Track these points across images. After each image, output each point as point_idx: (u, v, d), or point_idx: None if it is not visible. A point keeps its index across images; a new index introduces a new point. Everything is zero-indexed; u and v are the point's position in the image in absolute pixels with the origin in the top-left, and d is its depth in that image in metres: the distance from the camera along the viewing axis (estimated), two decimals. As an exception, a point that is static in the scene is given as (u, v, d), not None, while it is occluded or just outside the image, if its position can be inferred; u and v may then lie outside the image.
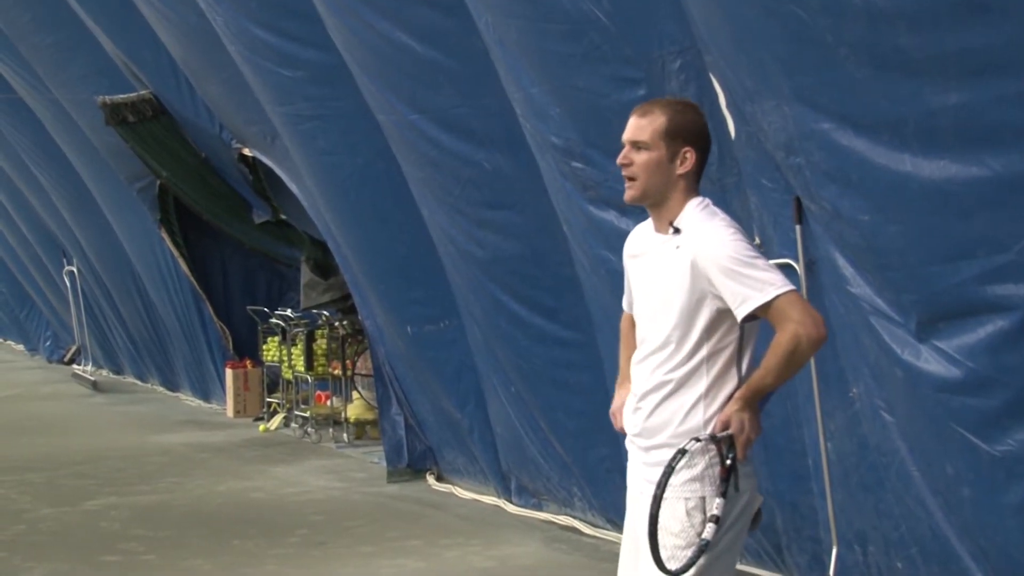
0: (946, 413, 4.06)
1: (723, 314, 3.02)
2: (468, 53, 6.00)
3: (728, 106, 4.61)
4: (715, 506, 2.97)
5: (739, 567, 5.36)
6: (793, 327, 2.95)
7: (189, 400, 13.14)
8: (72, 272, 15.02)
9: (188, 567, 6.26)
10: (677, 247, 3.06)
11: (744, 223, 4.93)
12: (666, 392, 3.07)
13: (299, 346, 10.59)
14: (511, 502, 7.32)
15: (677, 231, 3.07)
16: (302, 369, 10.55)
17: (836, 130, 4.00)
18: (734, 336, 3.05)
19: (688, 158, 3.05)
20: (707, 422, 3.03)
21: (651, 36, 4.83)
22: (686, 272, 3.03)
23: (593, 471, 6.38)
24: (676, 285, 3.04)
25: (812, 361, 4.73)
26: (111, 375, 15.70)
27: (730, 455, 2.98)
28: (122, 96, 10.46)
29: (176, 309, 12.61)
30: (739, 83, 4.37)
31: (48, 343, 18.51)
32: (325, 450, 9.86)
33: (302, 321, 10.71)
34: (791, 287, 2.98)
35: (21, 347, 20.51)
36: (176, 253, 11.99)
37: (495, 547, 6.46)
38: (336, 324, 10.27)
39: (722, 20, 4.26)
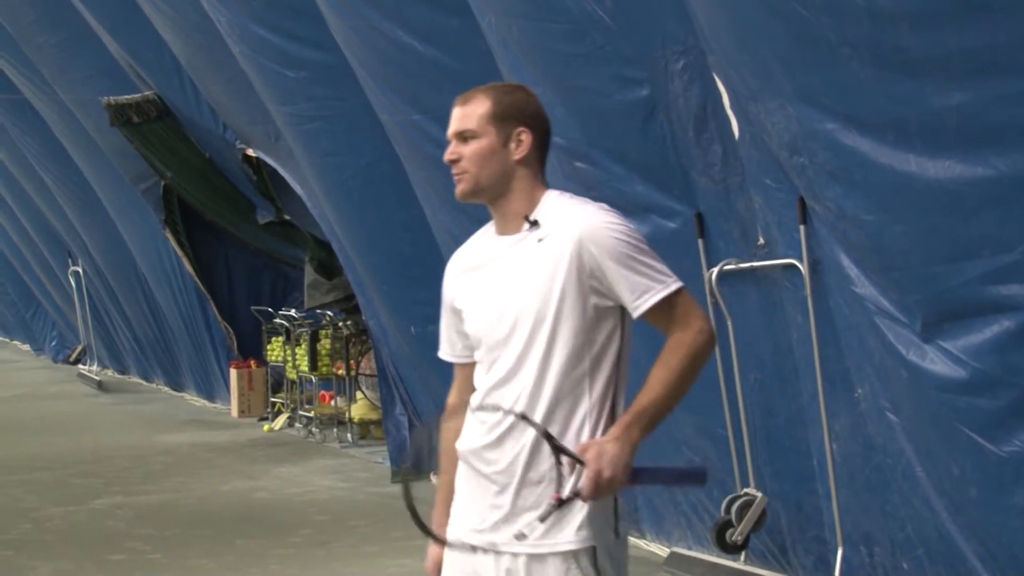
0: (952, 413, 4.04)
1: (602, 313, 2.51)
2: (471, 53, 5.99)
3: (732, 106, 4.60)
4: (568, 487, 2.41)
5: (745, 567, 5.35)
6: (700, 325, 2.50)
7: (194, 400, 13.15)
8: (77, 272, 15.03)
9: (193, 566, 6.27)
10: (540, 240, 2.54)
11: (748, 223, 4.92)
12: (538, 420, 2.47)
13: (303, 346, 10.59)
14: (515, 502, 7.31)
15: (535, 224, 2.55)
16: (306, 369, 10.55)
17: (840, 130, 3.98)
18: (616, 342, 2.52)
19: (524, 140, 2.57)
20: None
21: (654, 36, 4.81)
22: (560, 266, 2.49)
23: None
24: (545, 285, 2.50)
25: (817, 361, 4.72)
26: (116, 375, 15.71)
27: (572, 491, 2.40)
28: (126, 97, 10.47)
29: (180, 309, 12.62)
30: (743, 83, 4.36)
31: (54, 343, 18.53)
32: (329, 450, 9.86)
33: (306, 321, 10.71)
34: (681, 281, 2.55)
35: (27, 347, 20.53)
36: (180, 253, 12.00)
37: (500, 547, 6.45)
38: (340, 324, 10.27)
39: (725, 20, 4.25)
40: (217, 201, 11.26)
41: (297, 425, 10.78)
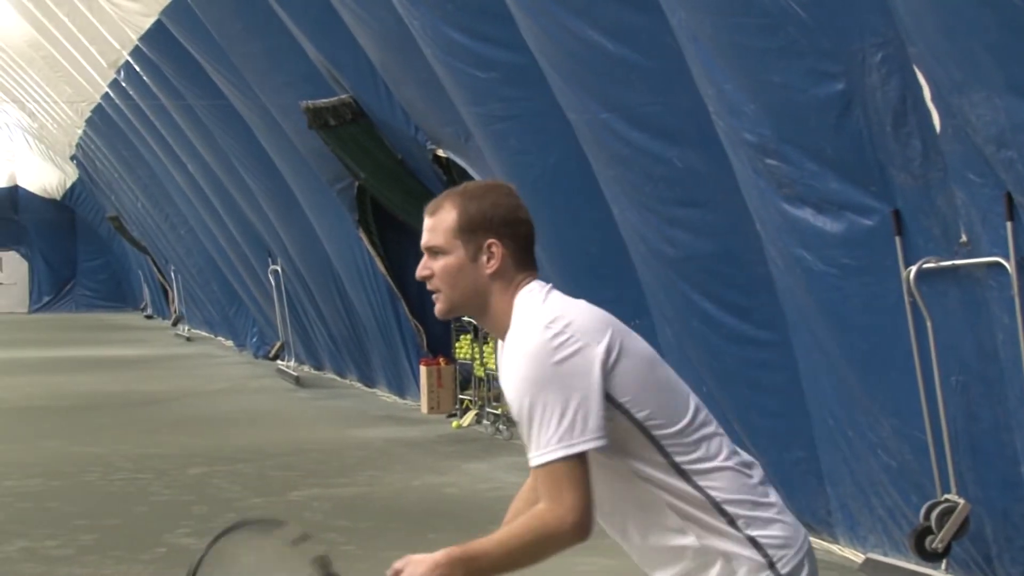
0: None
1: (624, 433, 2.30)
2: (660, 50, 5.96)
3: (933, 99, 4.45)
4: None
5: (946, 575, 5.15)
6: (561, 513, 2.30)
7: (385, 396, 13.47)
8: (277, 271, 15.56)
9: (387, 558, 6.34)
10: None
11: (949, 220, 4.74)
12: (634, 535, 2.49)
13: (491, 344, 10.73)
14: (703, 503, 7.22)
15: None
16: (493, 367, 10.68)
17: (1052, 121, 3.81)
18: (652, 446, 2.32)
19: (495, 252, 2.40)
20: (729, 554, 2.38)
21: (851, 28, 4.69)
22: None
23: (789, 473, 6.24)
24: None
25: (1024, 363, 4.51)
26: (312, 371, 16.21)
27: None
28: (324, 100, 10.80)
29: (373, 307, 12.95)
30: (946, 75, 4.20)
31: (254, 339, 19.18)
32: (516, 447, 9.96)
33: (494, 319, 10.83)
34: (570, 451, 2.23)
35: (230, 343, 21.35)
36: (373, 252, 12.30)
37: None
38: (528, 322, 10.35)
39: (929, 11, 4.11)
40: (408, 201, 11.50)
41: (484, 422, 10.93)
